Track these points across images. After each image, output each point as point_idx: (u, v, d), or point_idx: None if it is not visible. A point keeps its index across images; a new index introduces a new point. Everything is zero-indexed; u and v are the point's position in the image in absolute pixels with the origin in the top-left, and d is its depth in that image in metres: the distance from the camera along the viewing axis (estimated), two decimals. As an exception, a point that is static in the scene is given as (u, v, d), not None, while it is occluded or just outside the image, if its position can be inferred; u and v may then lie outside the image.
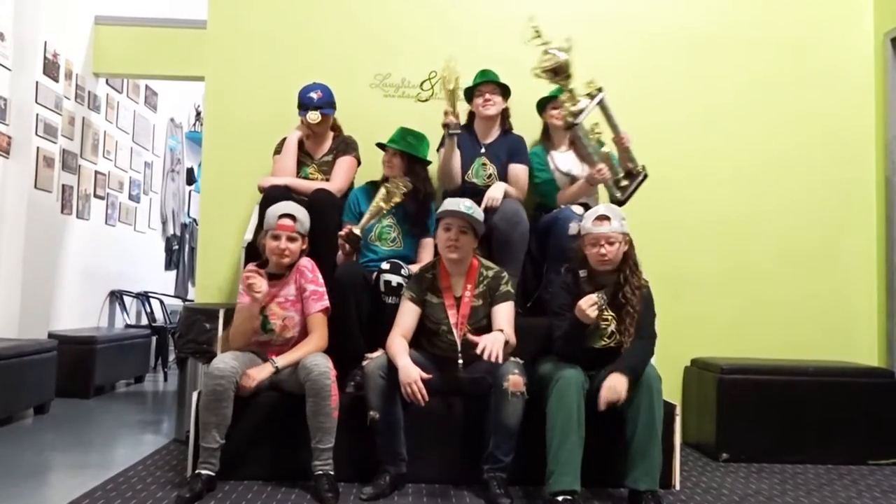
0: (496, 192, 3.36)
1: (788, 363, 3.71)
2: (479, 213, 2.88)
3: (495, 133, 3.63)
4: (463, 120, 3.62)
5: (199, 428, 2.71)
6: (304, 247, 2.96)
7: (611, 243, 2.77)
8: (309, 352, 2.82)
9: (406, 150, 3.32)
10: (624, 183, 3.42)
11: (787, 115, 4.12)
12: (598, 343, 2.81)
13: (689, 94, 4.04)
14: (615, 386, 2.61)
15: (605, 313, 2.77)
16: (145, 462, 3.14)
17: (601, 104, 3.28)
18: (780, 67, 4.14)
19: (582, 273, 2.82)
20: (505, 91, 3.60)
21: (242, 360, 2.79)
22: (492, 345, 2.60)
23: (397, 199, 3.17)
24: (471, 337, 2.68)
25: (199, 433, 2.71)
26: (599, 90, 3.27)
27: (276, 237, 2.88)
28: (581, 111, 3.23)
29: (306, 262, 2.95)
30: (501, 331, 2.73)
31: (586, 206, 3.44)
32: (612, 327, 2.80)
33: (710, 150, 4.09)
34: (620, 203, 3.34)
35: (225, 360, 2.73)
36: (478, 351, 2.60)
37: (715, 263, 4.05)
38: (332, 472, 2.68)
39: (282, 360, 2.81)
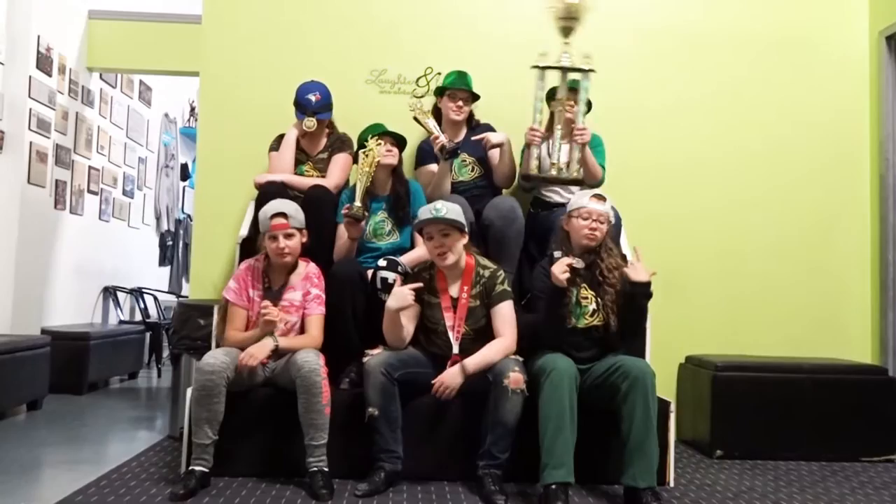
0: (500, 137, 3.43)
1: (783, 360, 3.72)
2: (452, 212, 2.79)
3: (462, 133, 3.62)
4: (429, 106, 3.62)
5: (192, 424, 2.70)
6: (304, 240, 2.94)
7: (601, 222, 2.83)
8: (305, 344, 2.81)
9: (396, 133, 3.36)
10: (551, 174, 3.30)
11: (781, 111, 4.12)
12: (581, 322, 2.82)
13: (682, 91, 4.04)
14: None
15: (586, 291, 2.82)
16: (139, 458, 3.13)
17: (584, 86, 3.25)
18: (773, 64, 4.13)
19: (557, 254, 2.78)
20: (474, 97, 3.62)
21: (234, 357, 2.77)
22: (447, 382, 2.75)
23: (377, 159, 3.16)
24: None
25: (192, 429, 2.70)
26: (591, 70, 3.22)
27: (274, 237, 2.86)
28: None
29: (315, 270, 2.97)
30: (464, 366, 2.75)
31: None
32: (593, 305, 2.82)
33: (703, 147, 4.08)
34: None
35: (216, 356, 2.72)
36: (434, 389, 2.75)
37: (709, 261, 4.04)
38: (326, 469, 2.68)
39: (283, 341, 2.79)
